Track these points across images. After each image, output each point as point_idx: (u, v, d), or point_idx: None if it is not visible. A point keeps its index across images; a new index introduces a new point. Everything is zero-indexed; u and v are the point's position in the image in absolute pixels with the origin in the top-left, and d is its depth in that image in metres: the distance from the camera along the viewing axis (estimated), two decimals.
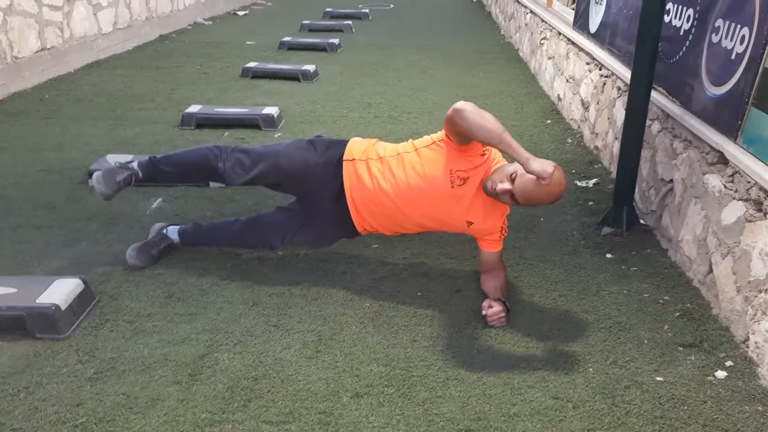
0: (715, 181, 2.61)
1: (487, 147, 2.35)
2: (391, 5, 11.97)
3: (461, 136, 2.30)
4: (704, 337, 2.38)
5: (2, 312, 2.23)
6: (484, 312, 2.41)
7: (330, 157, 2.52)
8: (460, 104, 2.28)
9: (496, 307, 2.41)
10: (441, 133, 2.42)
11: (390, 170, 2.43)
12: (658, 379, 2.15)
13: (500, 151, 2.35)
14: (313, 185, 2.55)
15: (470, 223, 2.46)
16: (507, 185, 2.26)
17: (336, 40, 7.66)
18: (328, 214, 2.58)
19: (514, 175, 2.26)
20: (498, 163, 2.40)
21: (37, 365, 2.13)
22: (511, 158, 2.27)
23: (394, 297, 2.60)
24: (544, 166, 2.18)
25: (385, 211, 2.48)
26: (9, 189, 3.47)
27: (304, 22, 9.00)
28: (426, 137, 2.48)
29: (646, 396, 2.07)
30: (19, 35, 5.28)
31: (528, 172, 2.19)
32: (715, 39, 2.79)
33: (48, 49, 5.71)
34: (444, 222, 2.50)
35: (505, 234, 2.56)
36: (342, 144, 2.55)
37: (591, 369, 2.19)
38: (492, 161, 2.39)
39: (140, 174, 2.67)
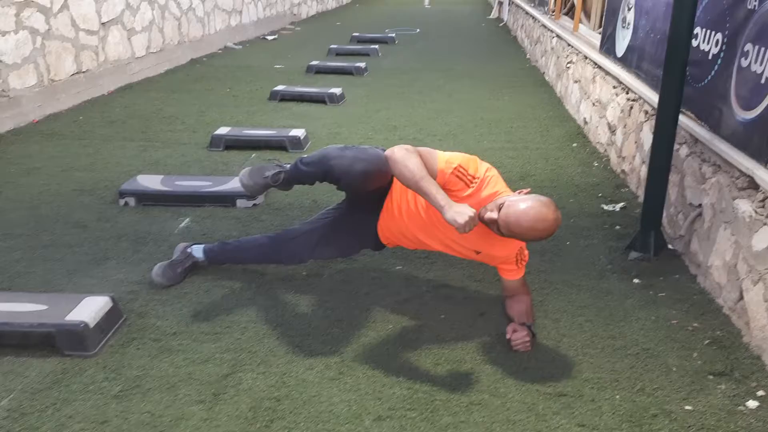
0: (745, 206, 2.57)
1: (477, 177, 2.27)
2: (417, 30, 12.09)
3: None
4: (735, 365, 2.33)
5: (33, 328, 2.27)
6: (508, 336, 2.39)
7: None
8: (389, 151, 2.25)
9: (521, 332, 2.39)
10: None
11: (404, 193, 2.44)
12: (687, 408, 2.11)
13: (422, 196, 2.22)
14: (374, 193, 2.51)
15: (477, 252, 2.44)
16: (493, 215, 2.17)
17: (363, 64, 7.75)
18: (362, 223, 2.59)
19: (501, 205, 2.18)
20: (501, 193, 2.29)
21: (64, 382, 2.16)
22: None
23: (418, 319, 2.59)
24: (456, 216, 2.08)
25: (403, 231, 2.50)
26: (42, 208, 3.55)
27: (332, 46, 9.13)
28: None
29: (675, 425, 2.03)
30: (56, 59, 5.44)
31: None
32: (744, 63, 2.77)
33: (83, 72, 5.87)
34: (452, 249, 2.47)
35: (525, 261, 2.52)
36: None
37: (618, 396, 2.16)
38: (482, 191, 2.27)
39: (289, 174, 2.60)
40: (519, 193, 2.24)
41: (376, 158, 2.39)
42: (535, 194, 2.23)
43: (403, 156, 2.21)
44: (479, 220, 2.22)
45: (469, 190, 2.27)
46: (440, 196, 2.14)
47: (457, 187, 2.26)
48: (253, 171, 2.66)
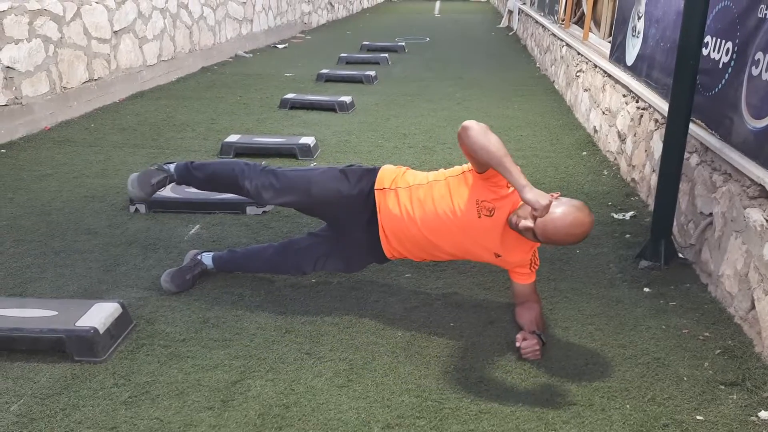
0: (756, 215, 2.56)
1: None
2: (427, 38, 12.12)
3: (474, 160, 2.29)
4: (747, 375, 2.30)
5: (43, 334, 2.28)
6: (518, 344, 2.38)
7: (362, 188, 2.54)
8: (468, 122, 2.27)
9: (531, 340, 2.38)
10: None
11: (418, 199, 2.43)
12: (698, 418, 2.09)
13: (500, 174, 2.25)
14: (344, 213, 2.57)
15: (498, 255, 2.43)
16: (529, 223, 2.19)
17: (372, 73, 7.78)
18: (358, 240, 2.60)
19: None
20: None
21: (74, 387, 2.17)
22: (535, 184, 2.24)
23: (427, 327, 2.59)
24: (539, 197, 2.12)
25: (414, 239, 2.48)
26: (53, 214, 3.58)
27: (342, 55, 9.17)
28: (457, 167, 2.48)
29: None
30: (68, 67, 5.49)
31: (522, 200, 2.16)
32: (755, 72, 2.76)
33: (95, 80, 5.92)
34: (472, 252, 2.47)
35: (537, 266, 2.52)
36: (373, 172, 2.57)
37: (628, 406, 2.14)
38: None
39: (175, 176, 2.76)
40: (551, 197, 2.24)
41: (287, 183, 2.58)
42: (567, 198, 2.25)
43: (484, 129, 2.25)
44: (510, 227, 2.27)
45: (510, 189, 2.31)
46: (522, 177, 2.17)
47: (502, 182, 2.29)
48: (141, 180, 2.72)
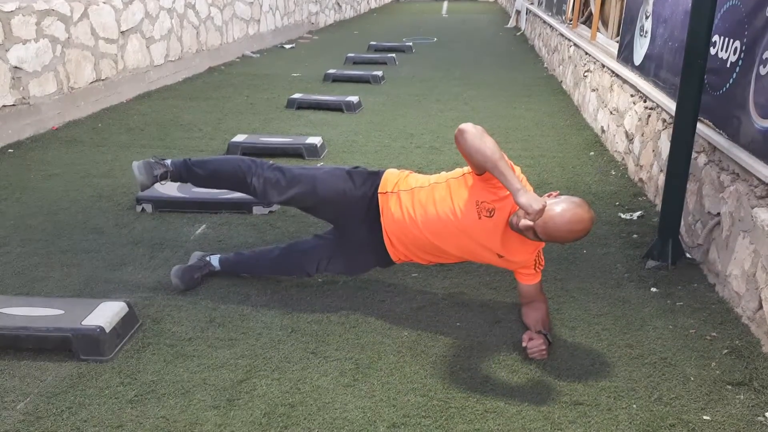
0: (764, 215, 2.54)
1: (517, 176, 2.29)
2: (435, 39, 12.11)
3: (471, 162, 2.29)
4: (754, 375, 2.29)
5: (49, 333, 2.29)
6: (524, 344, 2.38)
7: (366, 191, 2.54)
8: (464, 125, 2.27)
9: (537, 340, 2.37)
10: None
11: (420, 202, 2.43)
12: (705, 418, 2.08)
13: (495, 177, 2.24)
14: (347, 215, 2.57)
15: (500, 256, 2.43)
16: (530, 222, 2.18)
17: (380, 73, 7.78)
18: (362, 243, 2.59)
19: None
20: None
21: (80, 386, 2.17)
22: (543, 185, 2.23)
23: (433, 326, 2.58)
24: (531, 201, 2.11)
25: (417, 242, 2.47)
26: (60, 213, 3.59)
27: (349, 55, 9.17)
28: (458, 169, 2.47)
29: None
30: (75, 67, 5.52)
31: (516, 203, 2.15)
32: (763, 71, 2.74)
33: (102, 80, 5.94)
34: (475, 253, 2.46)
35: (542, 266, 2.51)
36: (378, 176, 2.57)
37: (634, 405, 2.13)
38: None
39: (173, 171, 2.69)
40: (549, 196, 2.24)
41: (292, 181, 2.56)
42: (566, 196, 2.24)
43: (480, 132, 2.24)
44: (512, 227, 2.26)
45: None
46: (516, 180, 2.16)
47: (500, 183, 2.27)
48: (145, 168, 2.66)
